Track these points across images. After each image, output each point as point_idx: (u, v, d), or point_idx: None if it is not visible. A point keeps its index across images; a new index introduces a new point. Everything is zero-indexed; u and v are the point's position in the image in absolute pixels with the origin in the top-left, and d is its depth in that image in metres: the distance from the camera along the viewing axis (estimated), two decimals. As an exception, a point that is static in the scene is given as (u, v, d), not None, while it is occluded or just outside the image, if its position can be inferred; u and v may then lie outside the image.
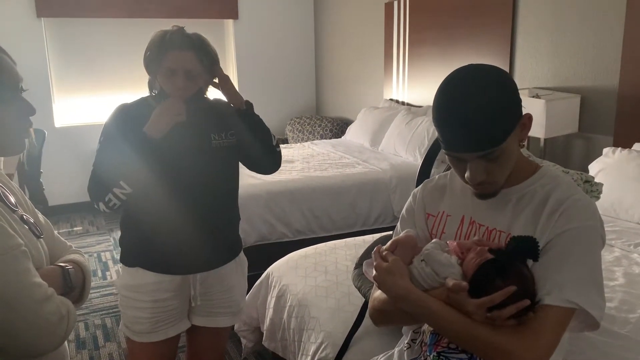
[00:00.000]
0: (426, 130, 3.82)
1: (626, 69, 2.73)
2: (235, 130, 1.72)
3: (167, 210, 1.64)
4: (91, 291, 2.59)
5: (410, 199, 1.34)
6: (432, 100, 1.11)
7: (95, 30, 5.07)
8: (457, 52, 3.87)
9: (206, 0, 5.37)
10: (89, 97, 5.19)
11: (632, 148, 2.58)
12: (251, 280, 2.03)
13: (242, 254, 1.84)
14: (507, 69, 3.42)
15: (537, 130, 2.84)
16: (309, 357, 1.72)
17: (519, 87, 1.12)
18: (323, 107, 6.01)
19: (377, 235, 2.28)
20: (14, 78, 1.03)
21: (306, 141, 5.22)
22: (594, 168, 2.61)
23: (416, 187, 1.37)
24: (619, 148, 2.58)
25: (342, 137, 4.94)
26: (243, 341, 2.29)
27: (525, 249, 1.04)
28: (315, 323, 1.79)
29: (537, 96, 2.92)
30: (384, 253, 1.16)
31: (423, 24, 4.21)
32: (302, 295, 1.93)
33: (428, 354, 1.14)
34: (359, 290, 1.68)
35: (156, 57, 1.59)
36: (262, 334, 2.14)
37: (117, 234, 4.50)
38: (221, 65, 1.72)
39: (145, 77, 1.69)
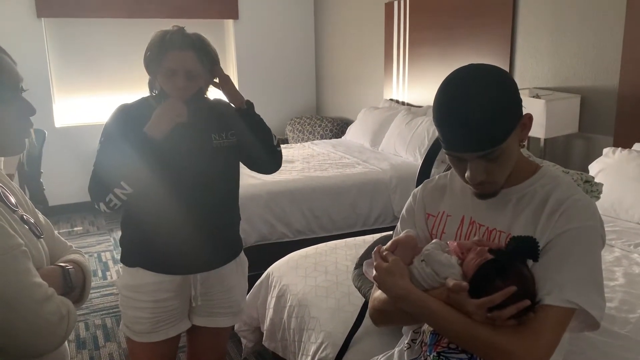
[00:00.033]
0: (426, 131, 3.82)
1: (626, 69, 2.73)
2: (236, 130, 1.72)
3: (167, 211, 1.64)
4: (91, 291, 2.59)
5: (410, 199, 1.34)
6: (433, 100, 1.11)
7: (95, 30, 5.07)
8: (457, 52, 3.87)
9: (206, 1, 5.37)
10: (89, 97, 5.19)
11: (632, 148, 2.58)
12: (251, 280, 2.03)
13: (242, 254, 1.84)
14: (507, 69, 3.42)
15: (537, 130, 2.84)
16: (309, 357, 1.72)
17: (519, 87, 1.12)
18: (323, 107, 6.01)
19: (377, 236, 2.28)
20: (14, 78, 1.03)
21: (306, 141, 5.22)
22: (594, 168, 2.61)
23: (416, 187, 1.37)
24: (619, 148, 2.58)
25: (342, 137, 4.94)
26: (243, 341, 2.29)
27: (525, 249, 1.04)
28: (316, 323, 1.79)
29: (537, 96, 2.92)
30: (384, 253, 1.16)
31: (423, 24, 4.21)
32: (302, 295, 1.93)
33: (428, 354, 1.14)
34: (359, 291, 1.68)
35: (156, 57, 1.59)
36: (262, 334, 2.14)
37: (117, 234, 4.51)
38: (221, 65, 1.72)
39: (146, 77, 1.69)
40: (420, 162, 1.81)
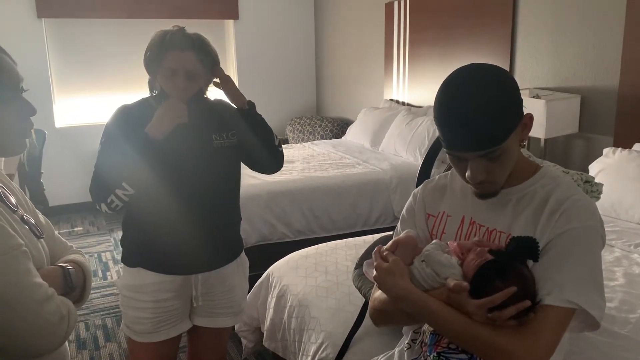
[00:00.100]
0: (426, 131, 3.82)
1: (626, 69, 2.73)
2: (237, 130, 1.72)
3: (168, 211, 1.64)
4: (92, 291, 2.59)
5: (410, 199, 1.34)
6: (433, 101, 1.11)
7: (95, 30, 5.07)
8: (457, 52, 3.87)
9: (206, 1, 5.37)
10: (89, 98, 5.19)
11: (632, 148, 2.58)
12: (252, 281, 2.03)
13: (243, 254, 1.84)
14: (507, 69, 3.42)
15: (537, 130, 2.84)
16: (309, 358, 1.72)
17: (519, 87, 1.12)
18: (323, 108, 6.02)
19: (377, 236, 2.28)
20: (14, 78, 1.03)
21: (306, 141, 5.22)
22: (594, 168, 2.61)
23: (416, 187, 1.37)
24: (619, 148, 2.58)
25: (343, 138, 4.94)
26: (243, 341, 2.29)
27: (525, 249, 1.04)
28: (316, 323, 1.79)
29: (538, 96, 2.92)
30: (384, 253, 1.16)
31: (423, 24, 4.21)
32: (303, 296, 1.93)
33: (428, 354, 1.14)
34: (359, 291, 1.68)
35: (156, 57, 1.59)
36: (263, 334, 2.14)
37: (118, 235, 4.51)
38: (221, 65, 1.72)
39: (146, 78, 1.69)
40: (420, 162, 1.81)
